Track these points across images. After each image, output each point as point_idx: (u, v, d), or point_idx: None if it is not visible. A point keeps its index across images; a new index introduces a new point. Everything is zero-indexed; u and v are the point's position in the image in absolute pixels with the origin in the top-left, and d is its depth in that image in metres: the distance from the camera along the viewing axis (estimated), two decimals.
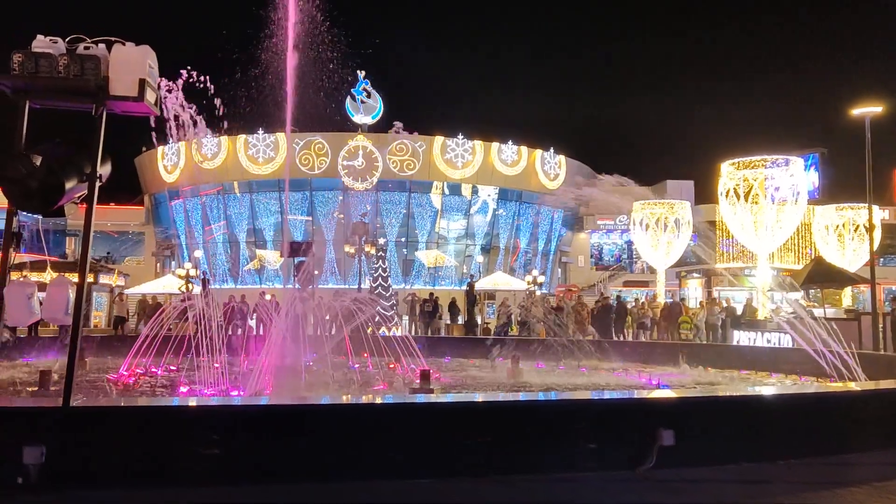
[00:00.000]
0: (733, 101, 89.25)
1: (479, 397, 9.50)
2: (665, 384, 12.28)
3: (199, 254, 39.94)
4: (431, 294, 27.24)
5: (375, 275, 30.41)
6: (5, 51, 5.31)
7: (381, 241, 35.25)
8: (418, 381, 11.27)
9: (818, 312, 18.78)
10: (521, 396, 9.49)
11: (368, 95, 41.97)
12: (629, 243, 46.61)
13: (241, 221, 41.07)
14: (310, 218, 39.49)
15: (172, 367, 13.20)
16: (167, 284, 33.16)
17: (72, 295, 5.58)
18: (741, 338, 18.58)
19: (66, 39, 5.47)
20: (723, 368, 15.27)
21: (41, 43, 5.39)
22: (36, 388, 8.75)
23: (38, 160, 5.25)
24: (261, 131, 37.98)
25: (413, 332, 24.07)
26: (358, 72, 41.91)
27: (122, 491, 5.04)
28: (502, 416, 6.07)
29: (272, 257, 38.95)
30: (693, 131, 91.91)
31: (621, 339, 23.57)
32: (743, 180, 24.62)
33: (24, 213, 5.62)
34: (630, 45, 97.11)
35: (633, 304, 27.17)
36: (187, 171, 41.33)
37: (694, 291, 40.38)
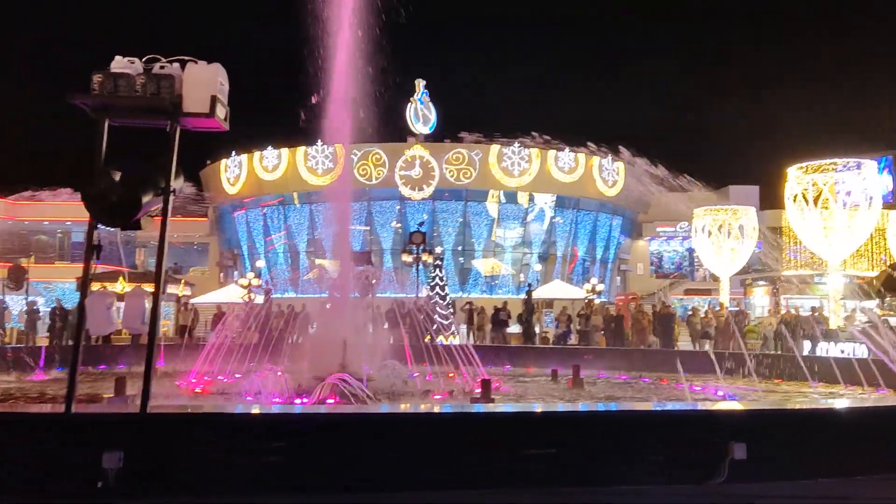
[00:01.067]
0: (799, 104, 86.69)
1: (540, 408, 9.42)
2: (734, 396, 11.97)
3: (261, 263, 40.82)
4: (505, 303, 27.25)
5: (432, 283, 30.53)
6: (86, 71, 5.55)
7: (438, 249, 35.39)
8: (478, 390, 11.27)
9: (894, 321, 18.04)
10: (582, 407, 9.38)
11: (427, 106, 42.34)
12: (690, 250, 45.65)
13: (301, 231, 41.84)
14: (367, 227, 39.94)
15: (238, 375, 13.50)
16: (230, 294, 33.96)
17: (147, 305, 5.77)
18: (813, 348, 17.97)
19: (143, 59, 5.68)
20: (793, 380, 14.80)
21: (120, 63, 5.61)
22: (112, 395, 9.08)
23: (116, 176, 5.46)
24: (319, 143, 38.64)
25: (473, 341, 24.06)
26: (417, 81, 42.35)
27: (194, 497, 5.19)
28: (565, 427, 6.01)
29: (331, 267, 39.52)
30: (757, 135, 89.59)
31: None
32: (812, 184, 23.87)
33: (103, 226, 5.83)
34: (689, 47, 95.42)
35: (692, 313, 26.54)
36: (249, 182, 42.35)
37: (760, 300, 39.23)
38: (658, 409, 8.32)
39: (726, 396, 12.09)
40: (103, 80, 5.55)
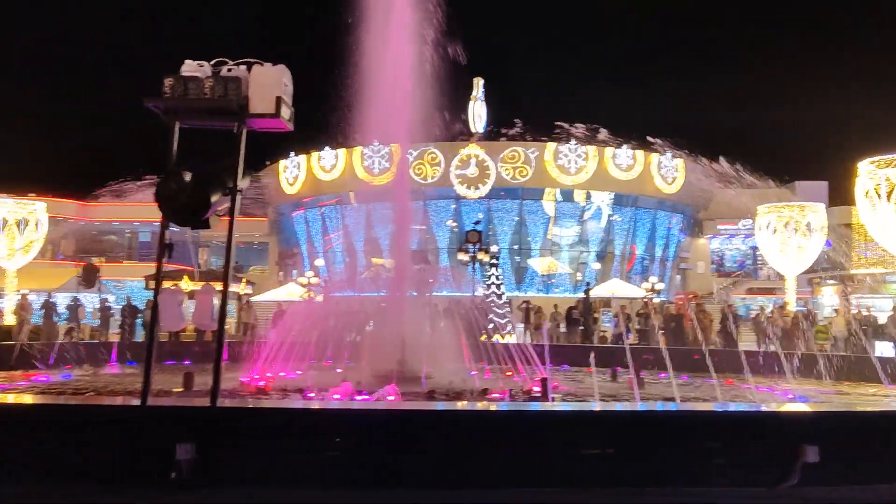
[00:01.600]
0: (870, 98, 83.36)
1: (600, 407, 9.32)
2: (805, 398, 11.61)
3: (319, 262, 41.45)
4: (579, 302, 27.18)
5: (489, 282, 30.49)
6: (158, 76, 5.73)
7: (494, 248, 35.32)
8: (537, 388, 11.22)
9: None
10: (643, 407, 9.23)
11: (483, 104, 42.36)
12: (754, 248, 44.44)
13: (358, 231, 42.31)
14: (424, 227, 40.13)
15: (299, 371, 13.73)
16: (290, 292, 34.58)
17: (216, 302, 5.93)
18: (885, 349, 17.29)
19: (211, 62, 5.84)
20: (865, 382, 14.27)
21: (189, 67, 5.78)
22: (181, 390, 9.37)
23: (187, 176, 5.63)
24: (376, 143, 38.99)
25: (530, 340, 23.94)
26: (476, 79, 42.39)
27: (263, 488, 5.31)
28: (627, 427, 5.94)
29: (388, 265, 39.87)
30: (826, 130, 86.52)
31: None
32: (885, 180, 22.95)
33: (174, 225, 6.01)
34: (752, 41, 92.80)
35: (759, 312, 25.86)
36: (307, 182, 43.05)
37: (829, 299, 37.92)
38: (725, 409, 8.14)
39: (797, 398, 11.74)
40: (174, 83, 5.73)
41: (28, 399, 8.51)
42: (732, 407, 9.36)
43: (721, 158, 39.72)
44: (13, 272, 29.52)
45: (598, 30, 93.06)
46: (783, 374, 13.26)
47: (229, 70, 5.81)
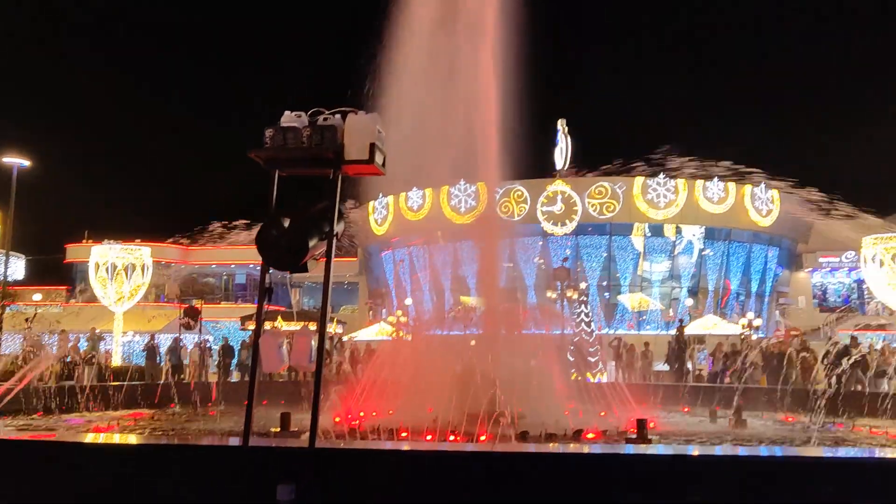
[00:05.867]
0: None
1: (697, 450, 8.87)
2: None
3: (408, 301, 41.89)
4: (673, 339, 26.56)
5: (578, 320, 29.99)
6: (260, 127, 6.02)
7: (583, 285, 34.80)
8: (633, 430, 10.87)
9: None
10: (762, 451, 8.73)
11: (566, 140, 42.22)
12: (859, 281, 42.09)
13: (446, 269, 42.58)
14: (511, 264, 40.02)
15: (390, 411, 13.80)
16: (380, 331, 35.04)
17: (314, 343, 6.08)
18: None
19: (309, 112, 6.08)
20: None
21: (288, 118, 6.04)
22: (278, 430, 9.58)
23: (286, 222, 5.85)
24: (462, 182, 39.36)
25: (623, 379, 23.35)
26: (560, 121, 42.40)
27: None
28: (741, 472, 5.65)
29: (476, 304, 39.89)
30: None
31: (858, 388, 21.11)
32: None
33: (274, 269, 6.23)
34: (850, 64, 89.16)
35: (869, 350, 24.28)
36: (395, 223, 43.80)
37: None
38: (842, 455, 7.65)
39: None
40: (274, 134, 6.00)
41: (133, 439, 8.91)
42: (844, 452, 8.76)
43: (818, 190, 38.06)
44: (120, 315, 31.20)
45: (679, 59, 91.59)
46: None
47: (325, 119, 6.03)
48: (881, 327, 37.95)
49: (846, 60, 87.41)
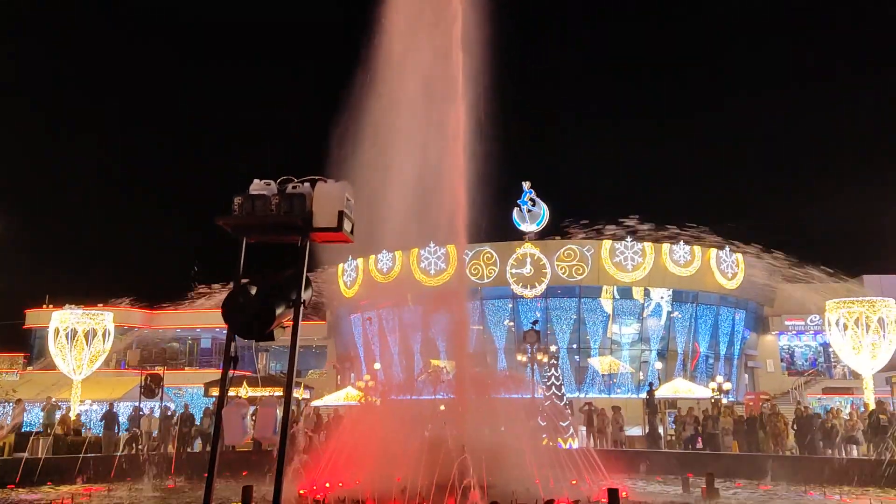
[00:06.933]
0: None
1: None
2: None
3: (377, 366, 41.33)
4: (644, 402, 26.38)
5: (548, 383, 29.83)
6: (229, 194, 5.98)
7: (553, 348, 34.74)
8: (605, 500, 10.68)
9: None
10: None
11: (534, 204, 42.71)
12: (825, 345, 42.65)
13: (415, 332, 42.23)
14: (481, 327, 39.89)
15: (357, 481, 13.43)
16: (347, 396, 34.41)
17: (279, 414, 5.91)
18: None
19: (278, 181, 6.07)
20: None
21: (257, 186, 6.03)
22: (238, 503, 9.24)
23: (252, 290, 5.76)
24: (431, 244, 39.48)
25: (594, 444, 23.10)
26: (523, 183, 42.96)
27: None
28: None
29: (448, 367, 39.49)
30: (890, 220, 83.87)
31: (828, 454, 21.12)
32: None
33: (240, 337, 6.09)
34: (810, 123, 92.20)
35: (832, 414, 24.38)
36: (365, 285, 43.56)
37: None
38: None
39: None
40: (242, 202, 5.96)
41: None
42: None
43: (781, 252, 38.93)
44: (77, 382, 30.14)
45: (639, 121, 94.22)
46: (865, 484, 12.35)
47: (294, 187, 6.02)
48: (848, 391, 38.32)
49: (816, 120, 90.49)
